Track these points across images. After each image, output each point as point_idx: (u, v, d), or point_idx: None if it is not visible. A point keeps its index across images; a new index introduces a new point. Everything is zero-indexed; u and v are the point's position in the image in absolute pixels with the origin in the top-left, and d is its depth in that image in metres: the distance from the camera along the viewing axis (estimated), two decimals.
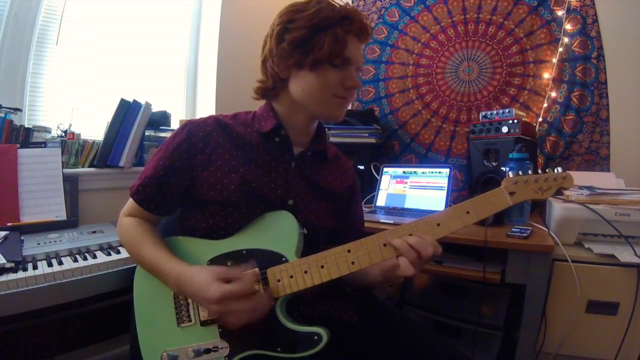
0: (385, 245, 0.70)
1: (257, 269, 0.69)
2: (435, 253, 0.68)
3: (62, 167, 1.31)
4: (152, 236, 0.78)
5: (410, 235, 0.69)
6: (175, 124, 1.77)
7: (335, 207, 0.87)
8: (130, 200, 0.81)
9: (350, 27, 0.74)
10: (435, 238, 0.69)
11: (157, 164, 0.78)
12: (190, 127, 0.78)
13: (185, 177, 0.77)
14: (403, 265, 0.68)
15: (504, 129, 1.39)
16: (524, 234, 1.08)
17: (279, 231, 0.75)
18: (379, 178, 1.62)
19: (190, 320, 0.74)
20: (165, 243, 0.78)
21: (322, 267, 0.70)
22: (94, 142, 1.47)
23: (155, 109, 1.60)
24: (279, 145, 0.81)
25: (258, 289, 0.67)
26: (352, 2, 2.08)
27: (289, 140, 0.81)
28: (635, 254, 1.02)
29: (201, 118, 0.81)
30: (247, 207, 0.76)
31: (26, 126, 1.34)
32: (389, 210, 1.51)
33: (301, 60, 0.74)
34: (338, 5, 0.76)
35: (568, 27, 1.59)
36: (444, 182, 1.46)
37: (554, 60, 1.61)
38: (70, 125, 1.46)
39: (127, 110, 1.48)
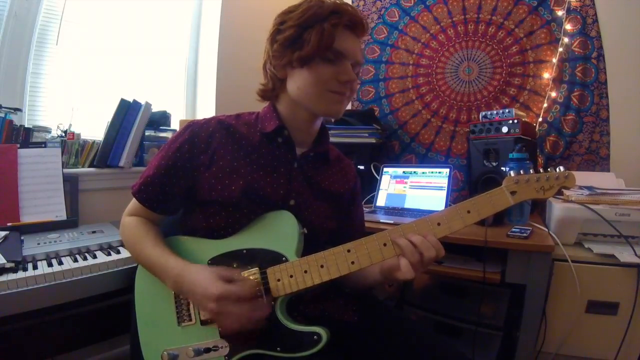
0: (385, 245, 0.69)
1: (258, 275, 0.69)
2: (438, 256, 0.67)
3: (62, 167, 1.31)
4: (153, 235, 0.79)
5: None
6: (175, 124, 1.77)
7: (336, 209, 0.87)
8: (133, 200, 0.82)
9: (339, 20, 0.74)
10: (435, 238, 0.69)
11: (159, 164, 0.78)
12: (193, 128, 0.79)
13: (187, 177, 0.78)
14: (404, 268, 0.68)
15: (504, 129, 1.39)
16: (524, 234, 1.08)
17: (279, 231, 0.75)
18: (379, 178, 1.61)
19: (190, 320, 0.74)
20: (166, 242, 0.79)
21: (322, 266, 0.70)
22: (94, 142, 1.47)
23: (155, 109, 1.60)
24: (282, 145, 0.81)
25: (259, 295, 0.68)
26: (352, 2, 2.08)
27: (291, 140, 0.81)
28: (635, 254, 1.02)
29: (204, 119, 0.81)
30: (249, 208, 0.76)
31: (26, 126, 1.34)
32: (389, 210, 1.51)
33: (292, 59, 0.75)
34: (327, 1, 0.76)
35: (568, 27, 1.59)
36: (444, 182, 1.46)
37: (554, 60, 1.61)
38: (70, 125, 1.45)
39: (127, 110, 1.48)
